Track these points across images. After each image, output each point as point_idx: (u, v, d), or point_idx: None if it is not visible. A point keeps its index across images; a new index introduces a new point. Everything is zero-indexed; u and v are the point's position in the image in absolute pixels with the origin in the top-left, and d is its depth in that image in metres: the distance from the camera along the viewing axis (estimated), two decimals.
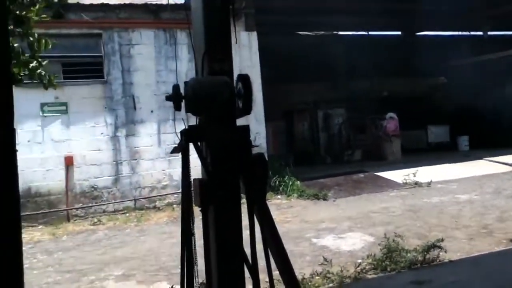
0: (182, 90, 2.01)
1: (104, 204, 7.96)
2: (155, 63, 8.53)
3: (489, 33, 16.44)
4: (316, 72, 14.08)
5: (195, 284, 1.94)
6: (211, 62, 2.12)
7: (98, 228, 6.98)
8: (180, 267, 1.92)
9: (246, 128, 2.09)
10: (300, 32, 15.55)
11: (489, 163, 10.62)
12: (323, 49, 14.56)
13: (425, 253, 3.95)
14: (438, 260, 3.96)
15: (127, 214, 7.73)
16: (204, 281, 2.06)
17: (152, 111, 8.41)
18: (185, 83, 2.02)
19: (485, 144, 12.79)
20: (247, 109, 2.04)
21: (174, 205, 8.06)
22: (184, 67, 8.35)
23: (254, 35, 9.25)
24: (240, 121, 2.08)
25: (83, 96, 8.04)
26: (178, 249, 4.86)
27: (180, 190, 2.04)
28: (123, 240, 6.10)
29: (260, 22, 9.53)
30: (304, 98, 13.66)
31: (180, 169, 2.03)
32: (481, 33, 16.50)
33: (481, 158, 11.04)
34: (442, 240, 4.16)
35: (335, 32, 15.96)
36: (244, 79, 2.05)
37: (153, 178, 8.34)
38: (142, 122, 8.37)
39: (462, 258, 4.13)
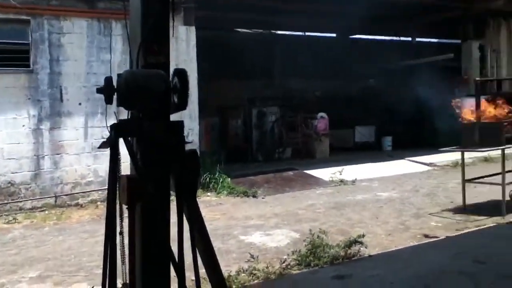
0: (114, 83, 1.95)
1: (21, 201, 7.50)
2: (87, 54, 8.18)
3: (417, 39, 17.46)
4: (252, 69, 14.22)
5: (118, 285, 1.90)
6: (147, 55, 2.07)
7: (13, 226, 6.55)
8: (102, 267, 1.87)
9: (180, 124, 2.07)
10: (238, 29, 15.61)
11: (409, 162, 11.30)
12: (260, 47, 14.71)
13: (347, 248, 4.16)
14: (359, 255, 4.18)
15: (47, 212, 7.34)
16: (127, 281, 2.03)
17: (80, 104, 8.06)
18: (118, 75, 1.97)
19: (407, 144, 13.61)
20: (182, 105, 2.02)
21: (98, 203, 7.79)
22: (118, 59, 8.09)
23: (192, 30, 9.16)
24: (173, 117, 2.07)
25: (5, 86, 7.54)
26: (100, 249, 4.71)
27: (106, 187, 2.00)
28: (40, 239, 5.77)
29: (199, 17, 9.46)
30: (239, 95, 13.73)
31: (107, 165, 1.98)
32: (409, 39, 17.46)
33: (402, 158, 11.71)
34: (363, 236, 4.40)
35: (272, 31, 16.17)
36: (181, 73, 2.02)
37: (77, 173, 8.00)
38: (69, 114, 8.00)
39: (380, 252, 4.39)
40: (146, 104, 1.97)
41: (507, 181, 5.85)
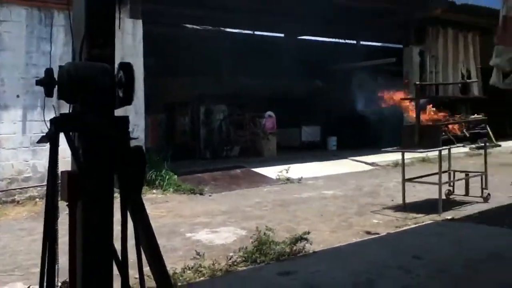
0: (56, 75, 1.86)
1: None
2: (26, 44, 7.75)
3: (362, 42, 18.01)
4: (200, 66, 14.09)
5: (56, 284, 1.82)
6: (91, 47, 1.99)
7: None
8: (40, 265, 1.79)
9: (125, 119, 2.01)
10: (187, 25, 15.42)
11: (353, 162, 11.65)
12: (208, 44, 14.61)
13: (293, 245, 4.22)
14: (304, 252, 4.25)
15: None
16: (67, 280, 1.95)
17: (18, 96, 7.64)
18: (60, 67, 1.88)
19: (351, 145, 14.02)
20: (127, 99, 1.95)
21: (37, 199, 7.43)
22: (60, 51, 7.76)
23: (139, 23, 8.93)
24: (118, 112, 2.00)
25: None
26: (37, 247, 4.50)
27: (44, 183, 1.91)
28: None
29: (146, 11, 9.24)
30: (187, 92, 13.58)
31: (47, 161, 1.89)
32: (355, 42, 17.98)
33: (346, 158, 12.05)
34: (308, 232, 4.48)
35: (221, 28, 16.11)
36: (126, 67, 1.96)
37: (14, 169, 7.57)
38: (6, 107, 7.56)
39: (325, 249, 4.49)
40: (89, 98, 1.89)
41: (443, 180, 6.16)
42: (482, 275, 3.63)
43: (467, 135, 6.73)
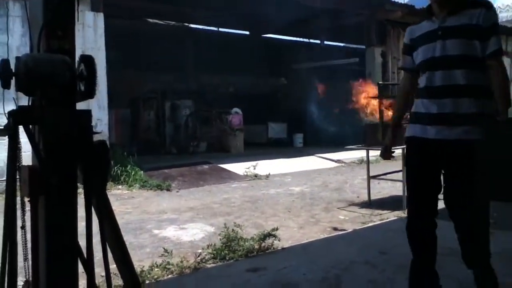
0: (13, 66, 1.77)
1: None
2: None
3: (326, 42, 18.20)
4: (165, 62, 13.91)
5: (19, 283, 1.73)
6: (49, 39, 1.90)
7: None
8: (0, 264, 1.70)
9: (87, 113, 1.93)
10: (150, 20, 15.16)
11: (319, 159, 11.77)
12: (173, 40, 14.44)
13: (261, 241, 4.20)
14: (272, 248, 4.24)
15: None
16: (30, 279, 1.86)
17: None
18: (17, 58, 1.79)
19: (317, 142, 14.17)
20: (90, 93, 1.88)
21: None
22: (17, 42, 7.45)
23: (100, 16, 8.69)
24: (80, 106, 1.92)
25: None
26: None
27: (3, 179, 1.81)
28: None
29: (108, 4, 9.01)
30: (151, 87, 13.37)
31: (5, 154, 1.80)
32: (318, 41, 18.17)
33: (312, 155, 12.17)
34: (277, 229, 4.47)
35: (185, 23, 15.93)
36: (87, 60, 1.89)
37: None
38: None
39: (293, 245, 4.49)
40: (49, 90, 1.81)
41: None
42: (444, 270, 3.71)
43: None
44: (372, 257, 4.00)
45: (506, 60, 18.23)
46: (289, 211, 6.19)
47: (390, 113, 6.66)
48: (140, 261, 3.80)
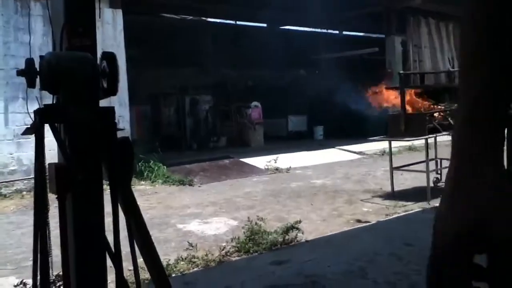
0: (37, 65, 1.80)
1: None
2: (3, 34, 7.55)
3: (344, 32, 18.00)
4: (184, 57, 13.95)
5: (50, 277, 1.77)
6: (71, 37, 1.92)
7: None
8: (31, 259, 1.73)
9: (111, 110, 1.95)
10: (168, 15, 15.21)
11: (340, 151, 11.68)
12: (191, 34, 14.46)
13: (285, 234, 4.20)
14: (296, 241, 4.24)
15: None
16: (60, 273, 1.90)
17: None
18: (41, 57, 1.81)
19: (338, 134, 14.05)
20: (112, 90, 1.90)
21: (24, 192, 7.30)
22: (38, 41, 7.55)
23: (119, 13, 8.76)
24: (101, 104, 1.95)
25: None
26: (27, 240, 4.42)
27: (31, 176, 1.84)
28: None
29: (126, 0, 9.07)
30: (171, 82, 13.44)
31: (31, 153, 1.84)
32: (337, 31, 17.97)
33: (333, 147, 12.08)
34: (300, 222, 4.46)
35: (203, 18, 15.93)
36: (110, 57, 1.90)
37: None
38: None
39: (316, 238, 4.48)
40: (72, 88, 1.83)
41: (430, 168, 6.19)
42: None
43: (452, 123, 6.75)
44: (397, 249, 3.96)
45: None
46: (312, 204, 6.17)
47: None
48: (166, 255, 3.84)
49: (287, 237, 4.19)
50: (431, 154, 6.72)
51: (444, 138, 9.93)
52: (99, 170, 1.95)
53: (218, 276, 3.48)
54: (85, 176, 1.88)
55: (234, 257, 3.90)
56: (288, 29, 17.87)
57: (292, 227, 4.29)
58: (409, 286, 3.19)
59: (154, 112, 13.24)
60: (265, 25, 17.68)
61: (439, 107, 6.93)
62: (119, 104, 8.34)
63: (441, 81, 14.76)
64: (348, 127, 14.63)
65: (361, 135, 11.18)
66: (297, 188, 7.40)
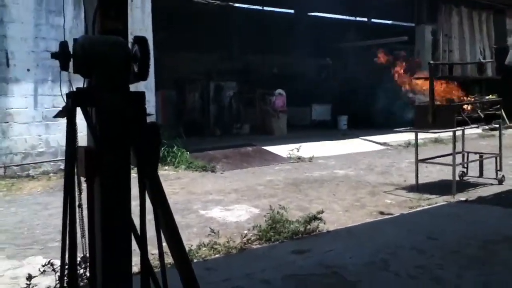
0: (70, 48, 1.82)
1: None
2: (35, 16, 7.66)
3: (373, 20, 17.68)
4: (210, 42, 13.95)
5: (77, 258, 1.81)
6: (104, 20, 1.93)
7: None
8: (61, 240, 1.78)
9: (141, 95, 1.97)
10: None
11: (364, 142, 11.56)
12: (218, 20, 14.42)
13: (306, 224, 4.20)
14: (317, 231, 4.23)
15: None
16: (87, 254, 1.94)
17: (28, 70, 7.59)
18: (74, 40, 1.83)
19: (362, 124, 13.89)
20: (143, 75, 1.91)
21: (51, 174, 7.47)
22: (69, 24, 7.63)
23: None
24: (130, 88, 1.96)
25: None
26: (54, 221, 4.55)
27: (58, 158, 1.87)
28: None
29: None
30: (196, 67, 13.48)
31: (59, 135, 1.87)
32: (365, 19, 17.66)
33: (357, 137, 11.96)
34: (322, 212, 4.45)
35: (230, 3, 15.86)
36: (142, 41, 1.90)
37: (27, 143, 7.59)
38: (17, 81, 7.52)
39: (338, 228, 4.47)
40: (105, 72, 1.85)
41: (456, 162, 6.08)
42: (497, 258, 3.59)
43: (482, 116, 6.59)
44: (420, 242, 3.92)
45: None
46: (334, 194, 6.14)
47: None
48: (188, 241, 3.89)
49: (308, 226, 4.18)
50: (458, 147, 6.60)
51: (472, 131, 9.76)
52: (127, 154, 1.98)
53: (239, 263, 3.50)
54: (114, 159, 1.91)
55: (255, 245, 3.92)
56: (316, 16, 17.66)
57: (314, 217, 4.28)
58: (431, 280, 3.16)
59: (178, 98, 13.31)
60: (292, 11, 17.52)
61: (469, 99, 6.78)
62: (146, 88, 8.34)
63: (468, 73, 14.40)
64: (373, 117, 14.43)
65: (386, 126, 11.03)
66: (319, 177, 7.37)
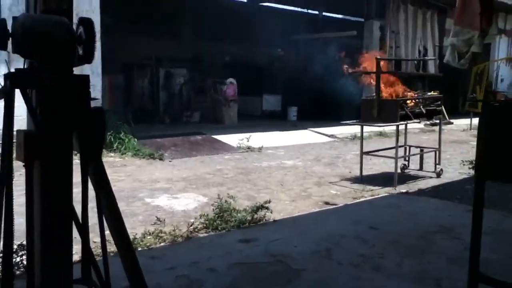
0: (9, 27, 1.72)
1: None
2: None
3: (324, 14, 17.94)
4: (161, 28, 13.64)
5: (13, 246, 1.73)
6: None
7: None
8: None
9: (85, 78, 1.89)
10: None
11: (312, 133, 11.78)
12: (169, 5, 14.12)
13: (254, 213, 4.23)
14: (264, 220, 4.28)
15: None
16: (23, 242, 1.86)
17: None
18: (14, 18, 1.73)
19: (311, 115, 14.14)
20: (88, 57, 1.83)
21: None
22: (8, 1, 7.24)
23: None
24: (74, 72, 1.88)
25: None
26: None
27: None
28: None
29: None
30: (146, 53, 13.15)
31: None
32: (317, 12, 17.89)
33: (306, 128, 12.17)
34: (269, 201, 4.50)
35: None
36: (87, 23, 1.83)
37: None
38: None
39: (284, 218, 4.54)
40: (47, 53, 1.76)
41: (399, 155, 6.34)
42: (435, 247, 3.78)
43: (424, 111, 6.88)
44: (362, 232, 4.06)
45: (504, 39, 18.10)
46: (282, 184, 6.23)
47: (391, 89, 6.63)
48: (133, 229, 3.82)
49: (255, 216, 4.22)
50: (401, 141, 6.86)
51: (414, 126, 10.17)
52: (69, 139, 1.90)
53: (185, 252, 3.48)
54: (56, 144, 1.83)
55: (202, 233, 3.91)
56: (268, 6, 17.68)
57: (261, 206, 4.32)
58: (372, 268, 3.28)
59: (127, 83, 12.96)
60: (245, 0, 17.44)
61: (413, 94, 7.04)
62: (92, 72, 8.10)
63: (409, 69, 14.97)
64: (321, 110, 14.71)
65: (334, 118, 11.27)
66: (268, 167, 7.44)
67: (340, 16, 18.63)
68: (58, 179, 1.87)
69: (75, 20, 1.90)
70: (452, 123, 14.17)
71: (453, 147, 9.93)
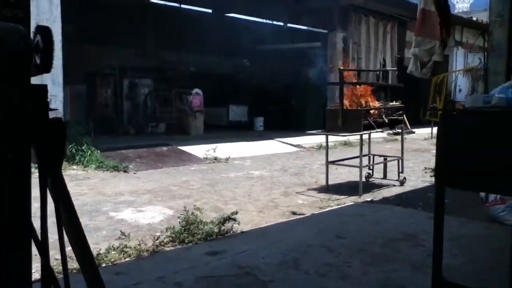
0: None
1: None
2: None
3: (289, 25, 18.17)
4: (124, 37, 13.44)
5: None
6: (1, 6, 1.77)
7: None
8: None
9: (43, 88, 1.81)
10: None
11: (279, 143, 11.84)
12: (133, 14, 13.97)
13: (221, 225, 4.19)
14: (232, 232, 4.24)
15: None
16: None
17: None
18: None
19: (277, 126, 14.23)
20: (46, 67, 1.76)
21: None
22: None
23: None
24: (34, 81, 1.81)
25: None
26: None
27: None
28: None
29: None
30: (109, 62, 12.91)
31: None
32: (281, 23, 18.10)
33: (272, 139, 12.21)
34: (236, 213, 4.46)
35: None
36: (45, 31, 1.76)
37: None
38: None
39: (252, 229, 4.51)
40: (1, 62, 1.69)
41: (363, 164, 6.44)
42: (399, 254, 3.84)
43: (386, 121, 7.04)
44: (329, 241, 4.08)
45: (461, 51, 18.83)
46: (249, 195, 6.20)
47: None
48: (97, 244, 3.71)
49: (223, 227, 4.17)
50: (365, 150, 6.98)
51: (378, 135, 10.38)
52: (28, 151, 1.83)
53: (150, 266, 3.40)
54: (13, 157, 1.75)
55: (169, 247, 3.83)
56: (233, 17, 17.77)
57: (228, 218, 4.28)
58: (339, 277, 3.29)
59: (89, 93, 12.66)
60: (210, 10, 17.46)
61: (375, 104, 7.19)
62: (52, 82, 7.90)
63: (370, 79, 15.33)
64: (287, 120, 14.84)
65: (300, 128, 11.38)
66: (235, 178, 7.40)
67: (304, 27, 18.91)
68: (14, 193, 1.79)
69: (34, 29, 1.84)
70: (413, 132, 14.55)
71: (415, 155, 10.19)
